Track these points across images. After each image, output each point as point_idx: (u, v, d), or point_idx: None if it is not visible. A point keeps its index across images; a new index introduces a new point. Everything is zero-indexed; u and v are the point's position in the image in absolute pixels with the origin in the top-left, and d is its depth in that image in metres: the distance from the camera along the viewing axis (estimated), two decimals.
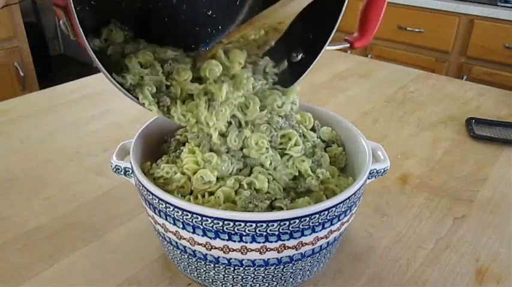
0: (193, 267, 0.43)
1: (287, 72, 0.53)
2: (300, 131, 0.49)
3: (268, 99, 0.46)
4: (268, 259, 0.40)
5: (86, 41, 0.36)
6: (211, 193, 0.43)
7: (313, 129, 0.52)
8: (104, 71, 0.40)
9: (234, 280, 0.42)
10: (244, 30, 0.45)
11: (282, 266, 0.41)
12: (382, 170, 0.47)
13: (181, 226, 0.39)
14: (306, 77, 0.52)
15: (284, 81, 0.52)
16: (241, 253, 0.39)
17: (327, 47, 0.51)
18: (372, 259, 0.51)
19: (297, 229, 0.38)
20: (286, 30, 0.45)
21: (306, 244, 0.40)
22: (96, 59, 0.38)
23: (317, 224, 0.39)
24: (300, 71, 0.52)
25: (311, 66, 0.52)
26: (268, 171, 0.45)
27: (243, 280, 0.42)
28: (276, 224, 0.37)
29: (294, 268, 0.42)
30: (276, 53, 0.51)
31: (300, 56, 0.53)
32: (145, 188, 0.41)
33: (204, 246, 0.39)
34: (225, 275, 0.42)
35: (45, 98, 0.91)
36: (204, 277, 0.43)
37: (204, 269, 0.42)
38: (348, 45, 0.57)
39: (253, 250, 0.39)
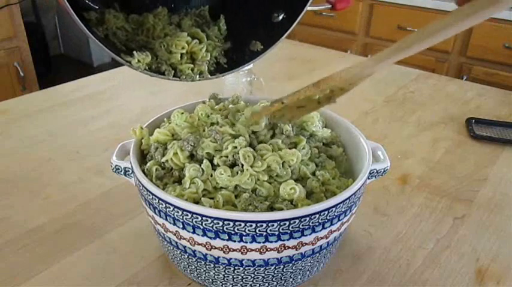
0: (193, 267, 0.43)
1: (266, 33, 0.52)
2: (308, 133, 0.49)
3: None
4: (268, 259, 0.40)
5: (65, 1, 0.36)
6: (211, 197, 0.43)
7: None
8: (83, 28, 0.40)
9: (234, 280, 0.42)
10: (308, 91, 0.41)
11: (282, 266, 0.41)
12: (382, 170, 0.47)
13: (181, 226, 0.39)
14: (306, 75, 0.52)
15: (263, 42, 0.51)
16: (241, 253, 0.39)
17: (308, 8, 0.50)
18: (372, 259, 0.51)
19: (297, 229, 0.38)
20: None
21: (306, 244, 0.40)
22: (77, 18, 0.38)
23: (317, 224, 0.39)
24: (280, 32, 0.52)
25: (291, 28, 0.51)
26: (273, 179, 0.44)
27: (243, 280, 0.42)
28: (276, 224, 0.37)
29: (294, 268, 0.42)
30: (256, 12, 0.51)
31: (281, 17, 0.52)
32: (145, 188, 0.41)
33: (204, 246, 0.39)
34: (225, 275, 0.42)
35: (45, 98, 0.91)
36: (204, 277, 0.43)
37: (204, 269, 0.42)
38: (330, 6, 0.57)
39: (253, 250, 0.39)
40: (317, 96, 0.42)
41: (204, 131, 0.47)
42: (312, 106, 0.43)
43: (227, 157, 0.43)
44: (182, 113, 0.49)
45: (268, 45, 0.52)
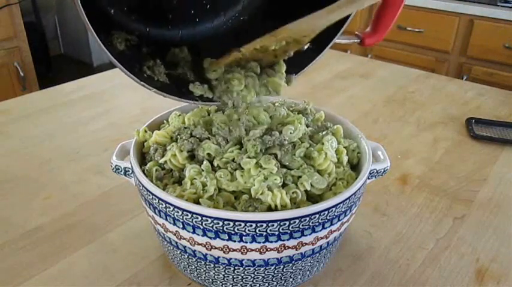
0: (193, 267, 0.43)
1: (290, 61, 0.50)
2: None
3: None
4: (268, 259, 0.40)
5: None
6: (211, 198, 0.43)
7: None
8: (94, 34, 0.38)
9: (234, 280, 0.42)
10: (265, 41, 0.43)
11: (282, 266, 0.41)
12: (382, 170, 0.47)
13: (181, 226, 0.39)
14: (306, 75, 0.51)
15: (286, 71, 0.50)
16: (241, 253, 0.39)
17: (336, 40, 0.49)
18: (372, 259, 0.51)
19: (297, 229, 0.38)
20: (295, 16, 0.43)
21: (306, 244, 0.40)
22: (87, 19, 0.36)
23: (317, 224, 0.39)
24: (304, 62, 0.50)
25: (317, 58, 0.50)
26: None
27: (243, 280, 0.42)
28: (276, 224, 0.37)
29: (294, 268, 0.42)
30: None
31: (306, 46, 0.50)
32: (146, 188, 0.41)
33: (204, 246, 0.39)
34: (225, 275, 0.42)
35: (45, 98, 0.91)
36: (204, 277, 0.43)
37: (204, 269, 0.42)
38: (358, 41, 0.53)
39: (253, 250, 0.39)
40: (273, 47, 0.44)
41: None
42: (269, 59, 0.46)
43: (228, 158, 0.43)
44: (179, 116, 0.49)
45: (291, 73, 0.50)
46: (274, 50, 0.45)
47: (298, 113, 0.50)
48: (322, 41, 0.49)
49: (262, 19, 0.55)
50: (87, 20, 0.36)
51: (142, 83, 0.43)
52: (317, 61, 0.51)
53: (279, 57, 0.47)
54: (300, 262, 0.41)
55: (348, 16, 0.47)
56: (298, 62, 0.51)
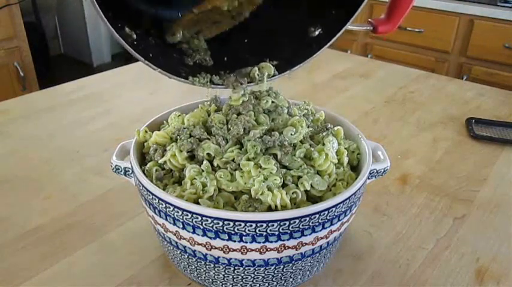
0: (193, 267, 0.43)
1: (299, 47, 0.50)
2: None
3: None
4: (268, 259, 0.40)
5: None
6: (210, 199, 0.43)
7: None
8: (107, 24, 0.36)
9: (234, 280, 0.42)
10: (215, 1, 0.44)
11: (282, 266, 0.41)
12: (382, 170, 0.47)
13: (181, 226, 0.39)
14: (306, 75, 0.51)
15: (295, 56, 0.49)
16: (241, 253, 0.39)
17: (348, 27, 0.47)
18: (372, 259, 0.51)
19: (297, 229, 0.38)
20: (307, 1, 0.42)
21: (306, 244, 0.40)
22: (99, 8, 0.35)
23: (317, 224, 0.39)
24: (314, 48, 0.49)
25: (327, 45, 0.49)
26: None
27: (243, 280, 0.42)
28: (276, 224, 0.37)
29: (294, 268, 0.42)
30: (292, 24, 0.48)
31: (317, 32, 0.50)
32: (146, 188, 0.41)
33: (204, 246, 0.39)
34: (225, 275, 0.42)
35: (45, 98, 0.91)
36: (204, 277, 0.43)
37: (204, 269, 0.42)
38: (371, 28, 0.51)
39: (253, 250, 0.39)
40: (226, 7, 0.45)
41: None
42: (227, 21, 0.47)
43: (228, 158, 0.43)
44: (179, 116, 0.49)
45: (299, 59, 0.49)
46: (229, 11, 0.46)
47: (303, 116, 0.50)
48: (333, 27, 0.48)
49: (269, 5, 0.53)
50: (99, 9, 0.35)
51: (146, 62, 0.42)
52: (326, 48, 0.49)
53: (235, 19, 0.47)
54: (300, 262, 0.41)
55: (361, 3, 0.45)
56: (307, 49, 0.49)
